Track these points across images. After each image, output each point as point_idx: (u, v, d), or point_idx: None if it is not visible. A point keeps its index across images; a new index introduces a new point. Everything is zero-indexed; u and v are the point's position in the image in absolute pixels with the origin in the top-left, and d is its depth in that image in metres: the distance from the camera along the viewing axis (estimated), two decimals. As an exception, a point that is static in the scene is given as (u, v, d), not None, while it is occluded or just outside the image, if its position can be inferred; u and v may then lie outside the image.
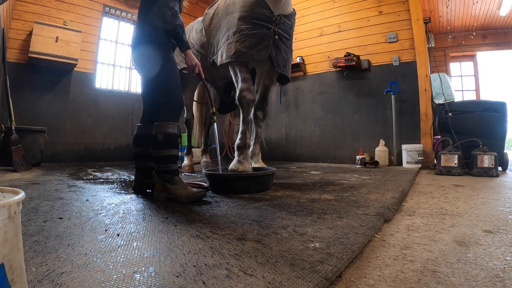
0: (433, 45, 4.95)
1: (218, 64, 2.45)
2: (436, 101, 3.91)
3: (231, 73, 2.39)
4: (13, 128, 3.29)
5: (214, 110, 2.15)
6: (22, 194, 0.51)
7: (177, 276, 0.73)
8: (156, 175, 1.75)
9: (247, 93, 2.27)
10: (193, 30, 2.99)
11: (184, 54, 1.88)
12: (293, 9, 2.47)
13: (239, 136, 2.29)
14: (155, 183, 1.76)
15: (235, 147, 2.29)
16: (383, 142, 4.16)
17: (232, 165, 2.19)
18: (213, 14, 2.68)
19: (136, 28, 1.89)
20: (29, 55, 3.83)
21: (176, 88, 1.82)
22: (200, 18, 2.94)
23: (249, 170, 2.14)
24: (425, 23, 4.20)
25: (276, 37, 2.29)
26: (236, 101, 2.31)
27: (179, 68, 3.13)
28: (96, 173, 3.06)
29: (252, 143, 2.59)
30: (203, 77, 2.05)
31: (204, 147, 3.67)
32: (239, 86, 2.30)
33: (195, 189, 1.71)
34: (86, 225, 1.17)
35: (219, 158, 2.24)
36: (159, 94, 1.79)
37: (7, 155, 3.15)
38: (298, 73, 5.08)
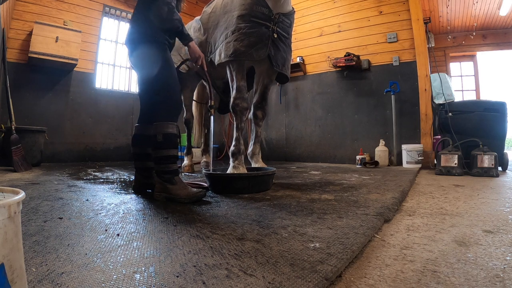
0: (433, 45, 4.95)
1: (216, 63, 2.44)
2: (436, 101, 3.91)
3: (228, 74, 2.39)
4: (13, 128, 3.29)
5: (213, 103, 2.15)
6: (22, 194, 0.51)
7: (177, 276, 0.73)
8: (156, 175, 1.75)
9: (241, 101, 2.30)
10: (191, 28, 2.98)
11: (187, 47, 1.89)
12: (292, 7, 2.46)
13: (233, 143, 2.31)
14: (155, 183, 1.76)
15: (230, 154, 2.31)
16: (383, 142, 4.16)
17: (228, 171, 2.22)
18: (210, 12, 2.67)
19: (131, 27, 1.84)
20: (29, 55, 3.83)
21: (174, 87, 1.80)
22: (198, 17, 2.94)
23: None
24: (425, 23, 4.20)
25: (275, 35, 2.29)
26: (230, 108, 2.33)
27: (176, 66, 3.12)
28: (96, 173, 3.06)
29: (252, 142, 2.59)
30: (206, 69, 2.05)
31: (204, 147, 3.67)
32: (233, 94, 2.31)
33: (195, 189, 1.71)
34: (86, 225, 1.17)
35: (211, 151, 2.24)
36: (157, 94, 1.77)
37: (7, 155, 3.15)
38: (298, 73, 5.09)
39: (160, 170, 1.71)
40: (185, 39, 1.84)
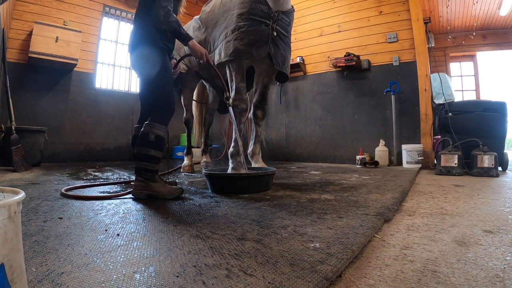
0: (433, 45, 4.95)
1: (216, 63, 2.44)
2: (436, 101, 3.91)
3: (227, 73, 2.38)
4: (13, 128, 3.29)
5: (228, 95, 2.14)
6: (22, 194, 0.51)
7: (177, 276, 0.73)
8: (136, 173, 1.77)
9: (240, 102, 2.29)
10: (190, 28, 2.98)
11: (187, 47, 1.92)
12: (292, 6, 2.45)
13: (232, 144, 2.31)
14: (134, 181, 1.79)
15: (229, 155, 2.30)
16: (383, 142, 4.16)
17: (227, 172, 2.21)
18: (209, 11, 2.67)
19: (133, 30, 1.90)
20: (29, 55, 3.83)
21: (170, 92, 1.87)
22: (197, 16, 2.94)
23: None
24: (425, 23, 4.20)
25: (275, 34, 2.28)
26: (229, 110, 2.32)
27: (183, 71, 3.13)
28: (96, 173, 3.06)
29: (252, 142, 2.59)
30: (212, 63, 2.06)
31: (204, 147, 3.66)
32: (232, 94, 2.30)
33: (174, 187, 1.80)
34: (86, 225, 1.17)
35: (240, 147, 2.20)
36: (155, 98, 1.83)
37: (7, 155, 3.15)
38: (298, 73, 5.08)
39: (144, 168, 1.74)
40: (184, 39, 1.87)
